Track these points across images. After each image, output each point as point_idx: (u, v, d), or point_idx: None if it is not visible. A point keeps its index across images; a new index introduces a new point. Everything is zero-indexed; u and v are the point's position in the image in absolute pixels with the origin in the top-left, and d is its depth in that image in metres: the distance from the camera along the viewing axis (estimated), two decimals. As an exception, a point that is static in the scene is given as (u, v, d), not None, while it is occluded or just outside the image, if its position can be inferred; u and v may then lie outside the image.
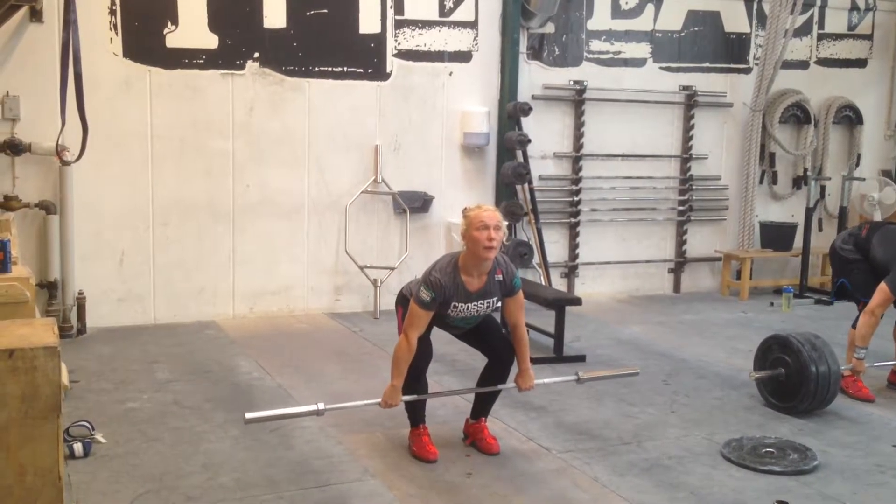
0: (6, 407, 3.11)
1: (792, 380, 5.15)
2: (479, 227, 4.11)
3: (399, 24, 7.72)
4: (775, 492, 4.09)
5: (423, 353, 4.32)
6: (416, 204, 7.83)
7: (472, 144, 7.98)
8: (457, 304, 4.23)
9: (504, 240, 4.23)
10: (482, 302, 4.28)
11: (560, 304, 6.49)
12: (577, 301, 6.73)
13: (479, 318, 4.40)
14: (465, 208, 4.33)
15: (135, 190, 7.02)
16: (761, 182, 9.42)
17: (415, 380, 4.37)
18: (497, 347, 4.50)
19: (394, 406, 4.29)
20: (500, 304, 4.39)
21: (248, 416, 4.15)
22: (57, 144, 6.27)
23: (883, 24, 9.87)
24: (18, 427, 3.13)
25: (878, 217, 9.00)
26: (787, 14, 8.81)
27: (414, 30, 7.78)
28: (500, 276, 4.29)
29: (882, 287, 5.29)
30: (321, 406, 4.20)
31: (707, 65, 9.04)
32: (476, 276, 4.24)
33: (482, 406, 4.61)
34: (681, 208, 9.09)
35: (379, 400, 4.29)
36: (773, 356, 5.30)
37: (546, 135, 8.37)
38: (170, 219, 7.15)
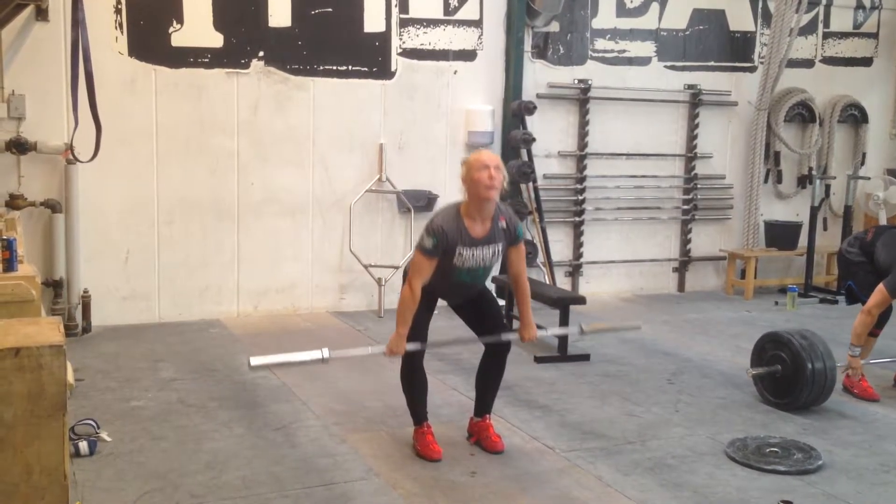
0: (12, 405, 3.12)
1: (788, 375, 5.20)
2: (480, 167, 4.13)
3: (404, 23, 7.72)
4: (780, 491, 4.09)
5: (418, 381, 4.44)
6: (420, 202, 7.83)
7: (476, 143, 7.98)
8: (461, 250, 4.19)
9: (504, 184, 4.23)
10: (487, 248, 4.25)
11: (564, 303, 6.49)
12: (581, 300, 6.72)
13: (484, 272, 4.35)
14: (464, 158, 4.36)
15: (140, 188, 7.03)
16: (766, 181, 9.41)
17: (410, 381, 4.44)
18: (496, 334, 4.49)
19: (398, 354, 4.27)
20: (502, 256, 4.39)
21: (253, 361, 4.15)
22: (70, 144, 6.28)
23: (889, 23, 9.84)
24: (24, 425, 3.14)
25: (883, 217, 8.98)
26: (792, 12, 8.79)
27: (419, 28, 7.78)
28: (503, 223, 4.29)
29: (880, 288, 5.35)
30: (326, 353, 4.21)
31: (712, 63, 9.03)
32: (479, 222, 4.23)
33: (484, 400, 4.62)
34: (685, 207, 9.08)
35: (384, 348, 4.28)
36: (769, 353, 5.36)
37: (550, 133, 8.36)
38: (174, 217, 7.17)
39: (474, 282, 4.39)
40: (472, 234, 4.21)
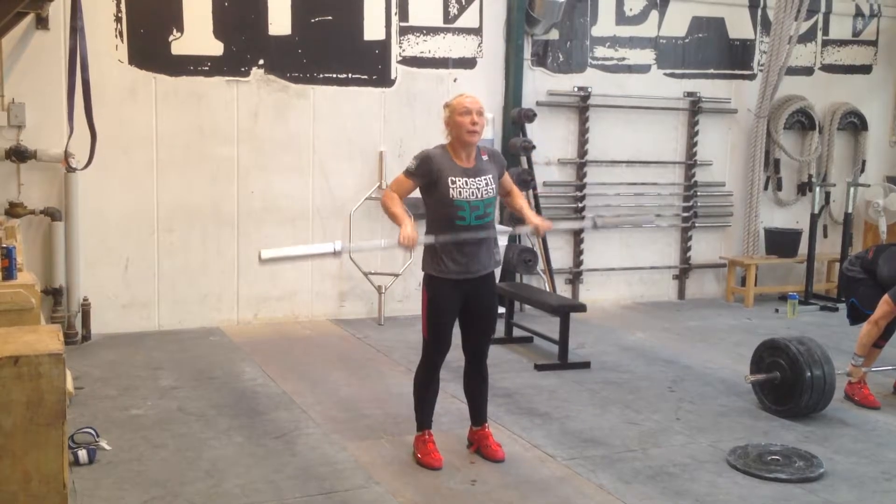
0: (11, 414, 3.12)
1: (787, 381, 5.21)
2: (462, 112, 4.23)
3: (403, 31, 7.74)
4: (781, 499, 4.08)
5: (433, 388, 4.47)
6: (420, 211, 7.79)
7: (476, 151, 7.97)
8: (454, 178, 4.24)
9: (486, 125, 4.34)
10: (480, 179, 4.30)
11: (565, 310, 6.48)
12: (581, 307, 6.71)
13: (484, 209, 4.28)
14: (447, 101, 4.42)
15: (140, 196, 7.03)
16: (766, 188, 9.41)
17: (426, 385, 4.45)
18: (474, 340, 4.47)
19: (414, 240, 4.16)
20: (497, 193, 4.40)
21: (264, 254, 4.15)
22: (66, 151, 6.28)
23: (888, 31, 9.86)
24: (23, 434, 3.14)
25: (883, 224, 8.98)
26: (791, 20, 8.81)
27: (418, 36, 7.79)
28: (485, 157, 4.40)
29: (885, 299, 5.43)
30: (338, 246, 4.22)
31: (711, 71, 9.04)
32: (465, 158, 4.33)
33: (476, 409, 4.61)
34: (685, 214, 9.08)
35: (396, 240, 4.20)
36: (768, 361, 5.38)
37: (550, 141, 8.37)
38: (174, 225, 7.16)
39: (480, 223, 4.28)
40: (460, 165, 4.30)
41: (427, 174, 4.26)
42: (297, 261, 4.47)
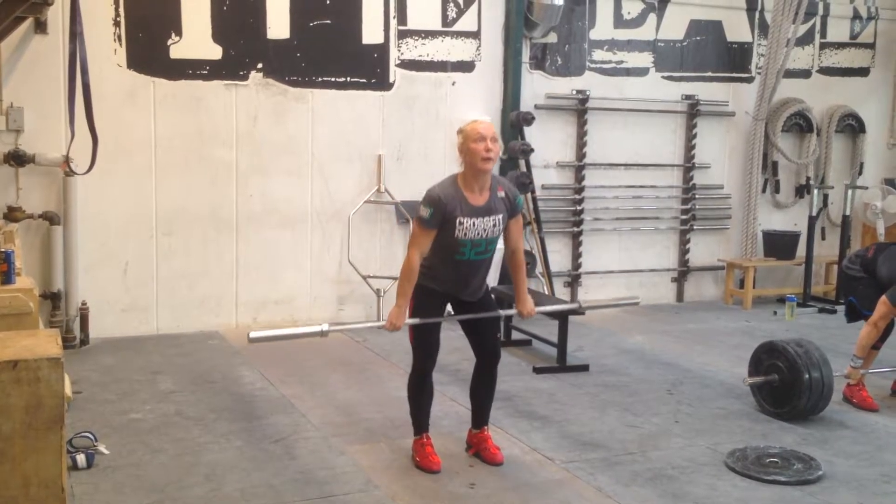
0: (10, 418, 3.12)
1: (785, 384, 5.21)
2: (477, 138, 4.10)
3: (402, 35, 7.75)
4: (780, 502, 4.08)
5: (427, 392, 4.44)
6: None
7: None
8: (462, 219, 4.14)
9: (501, 154, 4.21)
10: (488, 218, 4.20)
11: (563, 313, 6.48)
12: (580, 311, 6.70)
13: (487, 246, 4.26)
14: (461, 127, 4.31)
15: (139, 200, 7.03)
16: (764, 191, 9.42)
17: (419, 389, 4.42)
18: (488, 346, 4.47)
19: (398, 328, 4.21)
20: (503, 228, 4.32)
21: (252, 335, 4.15)
22: (67, 156, 6.28)
23: (885, 33, 9.88)
24: (22, 438, 3.14)
25: (881, 226, 8.99)
26: (789, 23, 8.83)
27: (417, 40, 7.80)
28: (502, 193, 4.26)
29: (883, 300, 5.41)
30: (325, 327, 4.21)
31: (709, 74, 9.06)
32: (477, 192, 4.20)
33: (480, 412, 4.60)
34: (684, 217, 9.09)
35: (384, 322, 4.24)
36: (766, 363, 5.38)
37: (549, 144, 8.38)
38: (173, 228, 7.16)
39: (478, 258, 4.28)
40: (471, 203, 4.17)
41: (441, 220, 4.14)
42: (285, 339, 4.52)
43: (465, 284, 4.34)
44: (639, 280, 8.98)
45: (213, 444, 4.69)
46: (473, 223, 4.17)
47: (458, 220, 4.14)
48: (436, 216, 4.12)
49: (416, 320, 4.28)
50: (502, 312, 4.53)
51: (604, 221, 8.73)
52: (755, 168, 9.20)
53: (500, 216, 4.25)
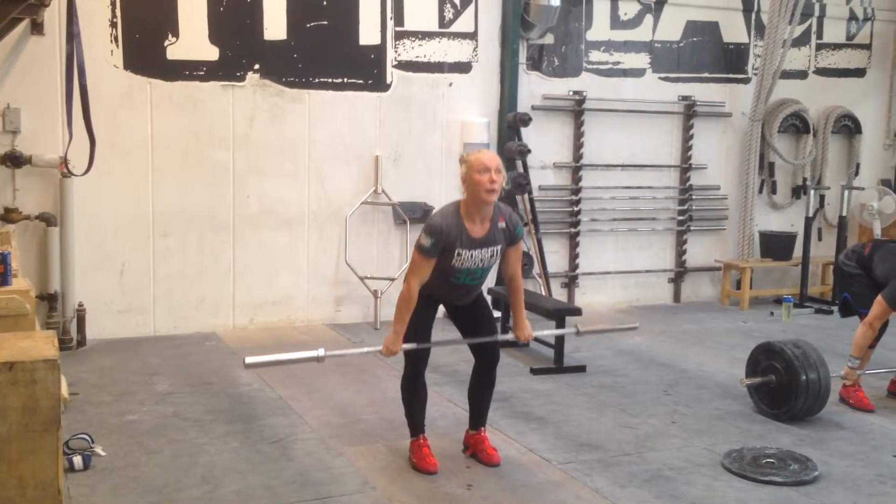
0: (6, 420, 3.11)
1: (782, 385, 5.22)
2: (481, 169, 4.05)
3: (399, 36, 7.75)
4: (776, 503, 4.09)
5: (420, 394, 4.45)
6: (416, 214, 7.83)
7: (471, 155, 7.98)
8: (460, 251, 4.14)
9: (504, 184, 4.21)
10: (486, 250, 4.20)
11: (560, 314, 6.49)
12: (577, 311, 6.71)
13: (482, 274, 4.30)
14: (463, 154, 4.30)
15: (135, 201, 7.03)
16: (760, 192, 9.44)
17: (412, 391, 4.43)
18: (487, 346, 4.47)
19: (394, 353, 4.23)
20: (500, 255, 4.34)
21: (248, 360, 4.15)
22: (65, 158, 6.28)
23: (881, 34, 9.90)
24: (19, 440, 3.14)
25: (877, 227, 9.01)
26: (785, 24, 8.84)
27: (414, 41, 7.81)
28: (503, 224, 4.24)
29: (879, 300, 5.37)
30: (321, 352, 4.21)
31: (706, 75, 9.07)
32: (479, 223, 4.18)
33: (478, 414, 4.61)
34: (680, 218, 9.10)
35: (380, 347, 4.25)
36: (763, 364, 5.38)
37: (546, 145, 8.38)
38: (170, 230, 7.16)
39: (473, 283, 4.33)
40: (471, 235, 4.17)
41: (441, 249, 4.13)
42: (281, 365, 4.53)
43: (458, 299, 4.42)
44: (635, 281, 8.99)
45: (211, 445, 4.69)
46: (472, 255, 4.18)
47: (456, 252, 4.15)
48: (437, 246, 4.11)
49: (412, 345, 4.29)
50: (500, 337, 4.54)
51: (601, 222, 8.74)
52: (752, 169, 9.21)
53: (499, 247, 4.26)
